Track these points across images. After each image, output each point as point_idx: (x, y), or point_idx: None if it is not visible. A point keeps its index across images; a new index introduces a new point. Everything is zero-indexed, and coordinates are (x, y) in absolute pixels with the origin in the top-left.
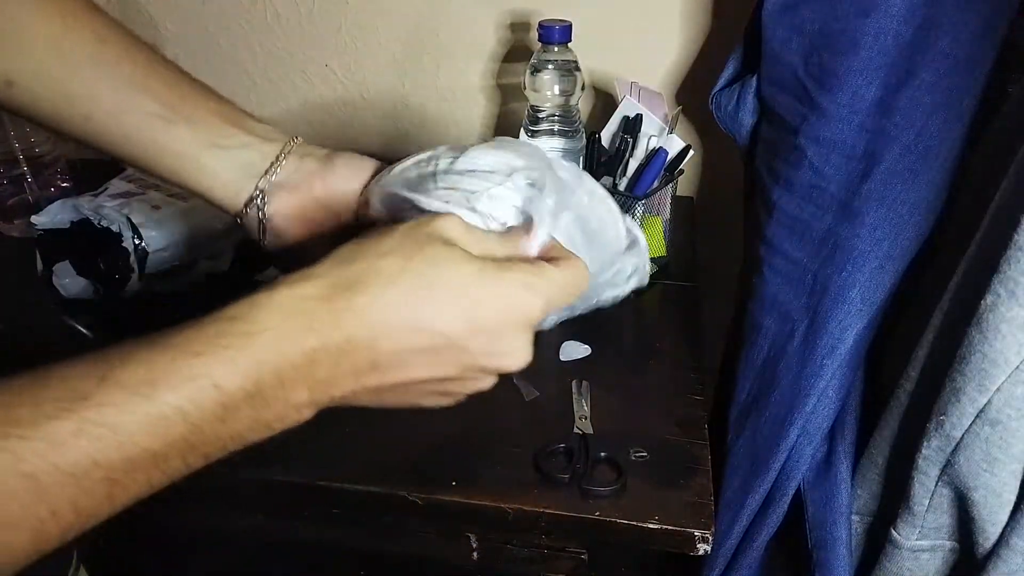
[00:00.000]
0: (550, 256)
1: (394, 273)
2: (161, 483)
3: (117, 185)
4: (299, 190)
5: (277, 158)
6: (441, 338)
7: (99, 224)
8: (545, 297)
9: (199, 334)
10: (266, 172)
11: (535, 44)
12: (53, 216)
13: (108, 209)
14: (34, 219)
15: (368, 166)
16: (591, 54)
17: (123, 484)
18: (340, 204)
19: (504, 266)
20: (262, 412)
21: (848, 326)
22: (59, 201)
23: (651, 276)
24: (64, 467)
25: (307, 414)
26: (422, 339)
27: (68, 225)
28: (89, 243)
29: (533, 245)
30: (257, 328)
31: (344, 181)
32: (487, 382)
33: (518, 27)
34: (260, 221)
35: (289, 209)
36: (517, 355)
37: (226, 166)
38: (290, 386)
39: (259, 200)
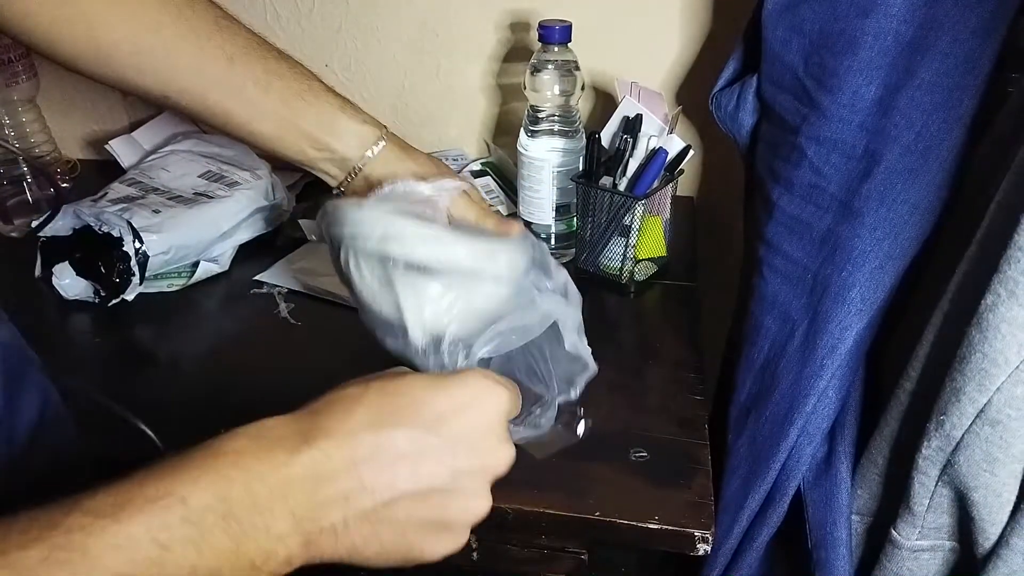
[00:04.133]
0: None
1: (357, 394)
2: None
3: (117, 189)
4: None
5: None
6: (418, 436)
7: (100, 230)
8: (504, 387)
9: (165, 462)
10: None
11: (535, 44)
12: (54, 222)
13: (109, 214)
14: (35, 225)
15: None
16: (591, 54)
17: None
18: None
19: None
20: (241, 544)
21: (848, 326)
22: (60, 207)
23: (651, 276)
24: None
25: (296, 551)
26: (399, 442)
27: (70, 232)
28: (91, 248)
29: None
30: (223, 449)
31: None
32: (483, 495)
33: (518, 27)
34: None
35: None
36: (498, 448)
37: (324, 166)
38: (267, 510)
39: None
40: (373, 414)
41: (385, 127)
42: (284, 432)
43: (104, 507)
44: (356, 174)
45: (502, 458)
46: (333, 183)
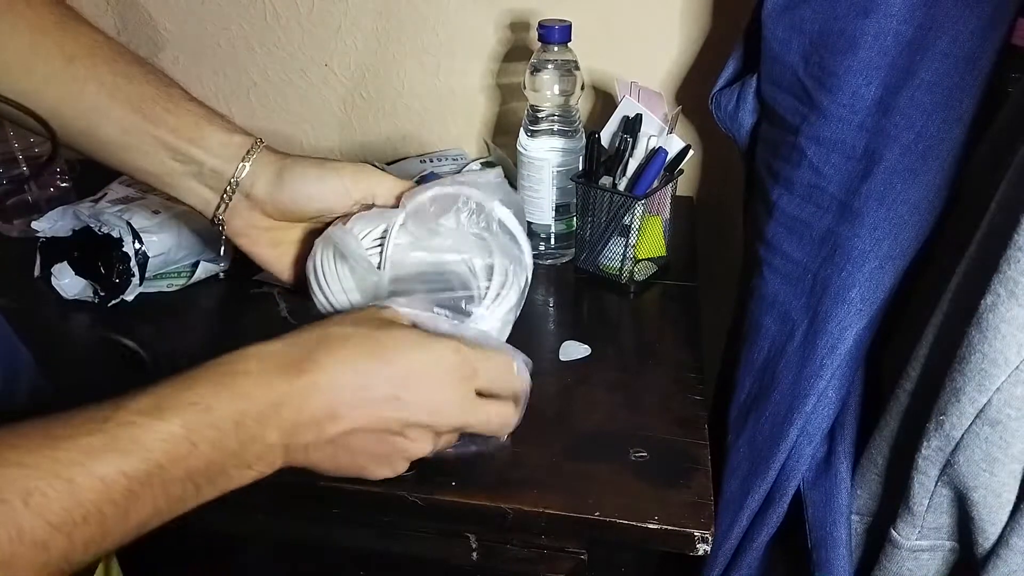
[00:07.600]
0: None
1: (346, 335)
2: (164, 511)
3: (117, 190)
4: (257, 201)
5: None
6: (385, 388)
7: (100, 231)
8: (472, 362)
9: (194, 373)
10: (224, 192)
11: (535, 44)
12: (54, 223)
13: (108, 215)
14: (35, 225)
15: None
16: (591, 54)
17: (140, 500)
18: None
19: (441, 336)
20: (245, 447)
21: (848, 326)
22: (60, 208)
23: (651, 276)
24: (96, 473)
25: (280, 457)
26: (369, 388)
27: (70, 233)
28: (90, 249)
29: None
30: (237, 369)
31: (301, 187)
32: (424, 445)
33: (518, 27)
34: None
35: (250, 218)
36: (451, 410)
37: (191, 186)
38: (265, 424)
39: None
40: (356, 356)
41: (259, 139)
42: (284, 360)
43: (149, 408)
44: (232, 192)
45: (452, 423)
46: (207, 210)
